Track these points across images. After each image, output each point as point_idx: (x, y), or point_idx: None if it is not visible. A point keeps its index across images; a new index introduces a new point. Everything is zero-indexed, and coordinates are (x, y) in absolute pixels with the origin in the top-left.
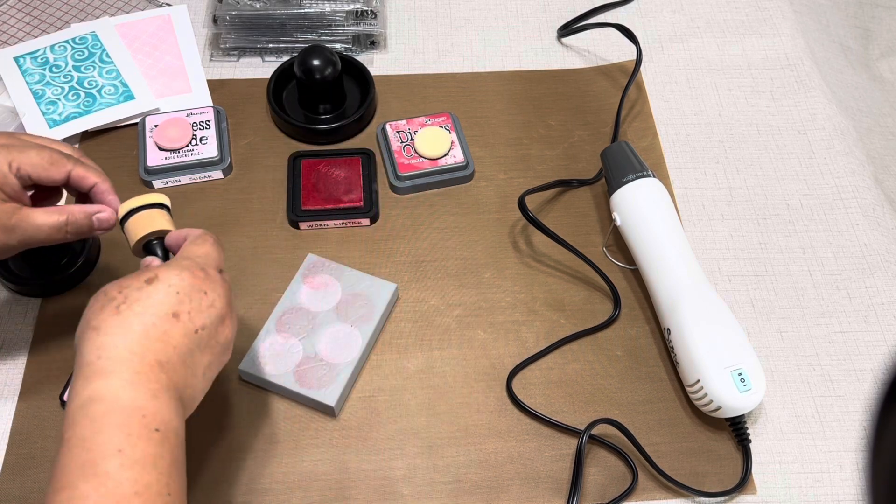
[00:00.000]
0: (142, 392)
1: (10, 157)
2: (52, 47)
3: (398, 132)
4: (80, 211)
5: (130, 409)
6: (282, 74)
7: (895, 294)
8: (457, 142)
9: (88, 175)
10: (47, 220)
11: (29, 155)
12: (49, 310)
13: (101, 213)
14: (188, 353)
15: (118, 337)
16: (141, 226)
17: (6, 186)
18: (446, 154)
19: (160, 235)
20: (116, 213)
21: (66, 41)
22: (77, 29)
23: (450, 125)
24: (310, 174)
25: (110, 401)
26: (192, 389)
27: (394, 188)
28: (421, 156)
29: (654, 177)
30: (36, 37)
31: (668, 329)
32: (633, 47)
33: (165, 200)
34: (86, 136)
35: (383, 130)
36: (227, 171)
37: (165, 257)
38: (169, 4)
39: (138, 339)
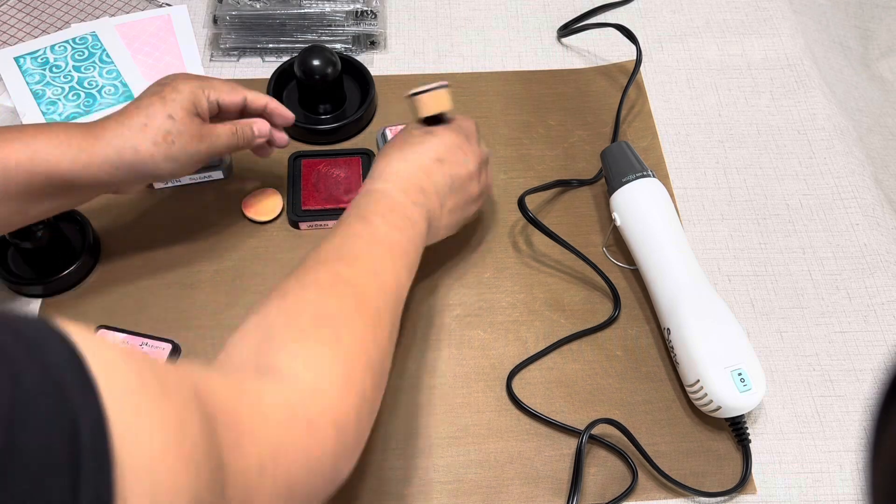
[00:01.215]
0: (406, 197)
1: (206, 88)
2: (52, 47)
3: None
4: (244, 122)
5: (395, 202)
6: (282, 74)
7: (895, 294)
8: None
9: (260, 97)
10: (224, 128)
11: (216, 84)
12: (50, 310)
13: (257, 122)
14: (444, 191)
15: (399, 163)
16: (429, 105)
17: (202, 110)
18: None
19: (442, 116)
20: (271, 125)
21: (67, 41)
22: (77, 29)
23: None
24: (310, 174)
25: (384, 192)
26: (437, 217)
27: None
28: (251, 219)
29: (654, 177)
30: (36, 37)
31: (668, 329)
32: (633, 47)
33: (446, 83)
34: None
35: (383, 134)
36: (227, 172)
37: None
38: (169, 4)
39: (412, 167)
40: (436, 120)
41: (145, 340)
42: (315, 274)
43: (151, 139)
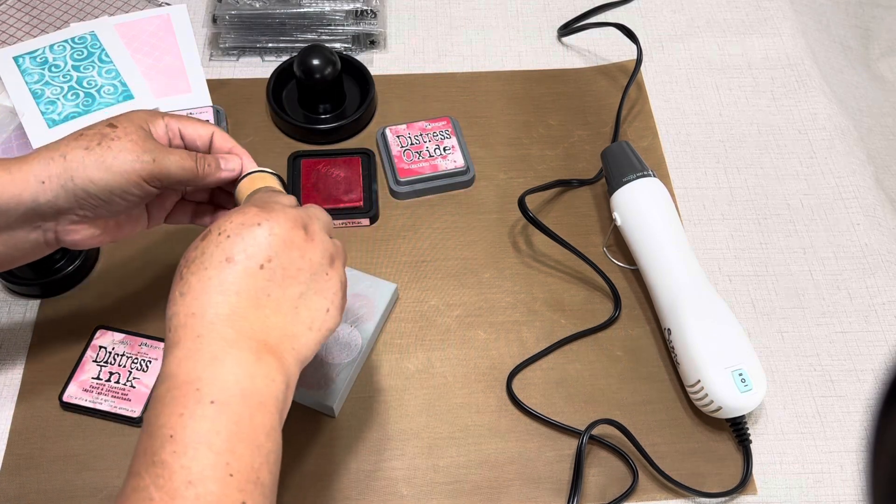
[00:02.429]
0: (200, 360)
1: (166, 114)
2: (51, 47)
3: (398, 136)
4: (210, 156)
5: (185, 383)
6: (282, 74)
7: (895, 294)
8: (457, 146)
9: (227, 138)
10: (179, 150)
11: (181, 116)
12: (49, 310)
13: (228, 158)
14: (260, 292)
15: (181, 305)
16: (251, 184)
17: (155, 131)
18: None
19: None
20: (241, 166)
21: (66, 41)
22: (76, 28)
23: (450, 129)
24: (309, 174)
25: (173, 375)
26: (283, 329)
27: (393, 193)
28: None
29: (654, 177)
30: (35, 36)
31: (669, 329)
32: (634, 47)
33: (279, 175)
34: None
35: (383, 134)
36: None
37: None
38: (168, 4)
39: (196, 297)
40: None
41: (144, 340)
42: None
43: (84, 144)
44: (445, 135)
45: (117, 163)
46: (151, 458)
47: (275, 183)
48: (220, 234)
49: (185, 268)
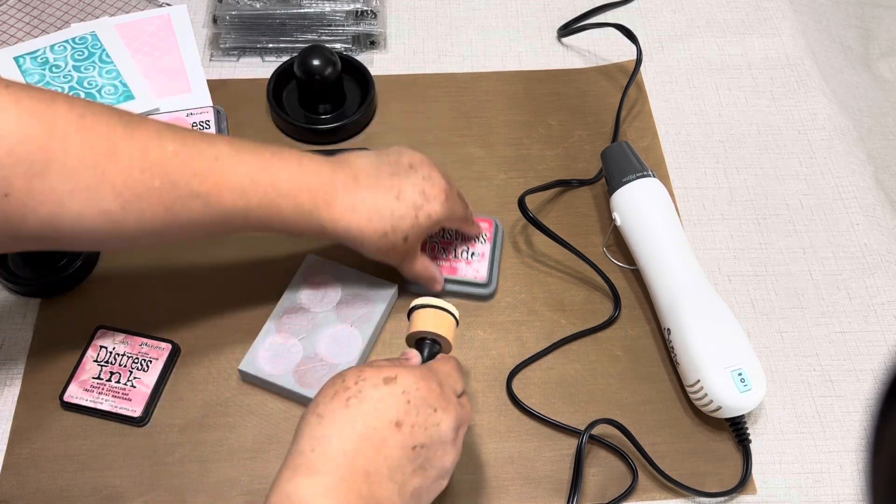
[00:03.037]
0: (341, 498)
1: (450, 220)
2: (51, 47)
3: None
4: (438, 273)
5: None
6: (282, 74)
7: (895, 294)
8: (486, 255)
9: (473, 228)
10: (423, 272)
11: (458, 216)
12: (49, 310)
13: (438, 281)
14: (398, 467)
15: (335, 433)
16: (427, 321)
17: (422, 236)
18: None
19: (436, 339)
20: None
21: (66, 41)
22: (77, 29)
23: (488, 234)
24: None
25: (294, 499)
26: None
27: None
28: None
29: (654, 177)
30: (36, 37)
31: (669, 329)
32: (633, 47)
33: (457, 314)
34: None
35: None
36: None
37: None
38: (169, 4)
39: (355, 440)
40: (427, 346)
41: (145, 340)
42: None
43: (377, 247)
44: (482, 239)
45: (381, 259)
46: None
47: (449, 328)
48: (403, 392)
49: (356, 396)
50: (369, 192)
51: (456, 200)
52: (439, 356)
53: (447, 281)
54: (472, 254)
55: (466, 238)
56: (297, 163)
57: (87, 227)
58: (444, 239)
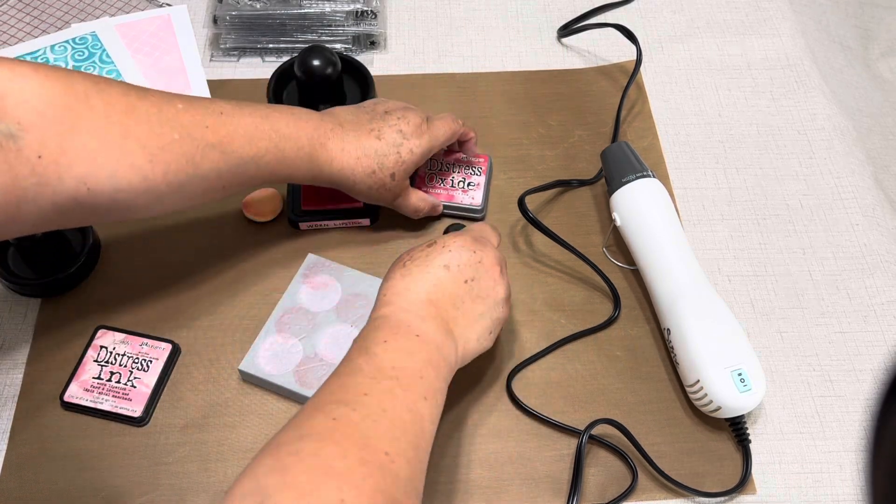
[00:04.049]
0: (411, 315)
1: (434, 147)
2: (52, 47)
3: (432, 159)
4: (436, 200)
5: (399, 322)
6: (282, 74)
7: (895, 294)
8: (482, 185)
9: (469, 132)
10: (420, 204)
11: (441, 136)
12: (49, 310)
13: (437, 207)
14: (458, 297)
15: (399, 282)
16: None
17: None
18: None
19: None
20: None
21: (67, 41)
22: (77, 29)
23: (483, 167)
24: None
25: (387, 317)
26: (463, 328)
27: None
28: (250, 219)
29: (654, 177)
30: (36, 37)
31: (668, 329)
32: (633, 47)
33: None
34: None
35: None
36: None
37: None
38: (169, 4)
39: (414, 282)
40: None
41: (145, 340)
42: (311, 420)
43: (368, 185)
44: (477, 171)
45: (373, 199)
46: (365, 350)
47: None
48: (443, 246)
49: (410, 261)
50: (354, 135)
51: (436, 130)
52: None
53: (445, 207)
54: (469, 184)
55: (464, 167)
56: (290, 112)
57: (120, 184)
58: (442, 171)
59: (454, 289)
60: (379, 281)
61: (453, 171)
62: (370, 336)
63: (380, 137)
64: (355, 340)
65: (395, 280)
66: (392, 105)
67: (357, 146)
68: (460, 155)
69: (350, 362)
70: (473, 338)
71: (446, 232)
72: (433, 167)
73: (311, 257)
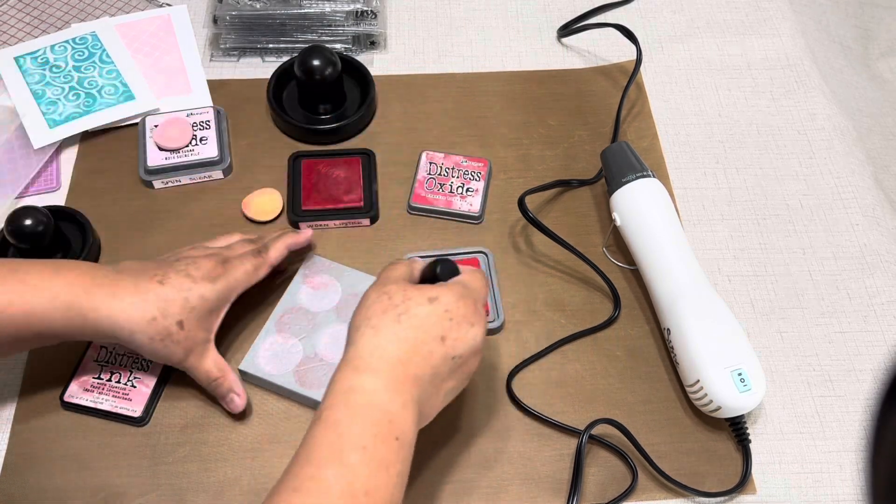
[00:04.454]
0: (396, 399)
1: (233, 291)
2: (52, 47)
3: (431, 163)
4: (237, 383)
5: (383, 411)
6: (282, 74)
7: (895, 294)
8: (480, 191)
9: (278, 251)
10: (212, 371)
11: (240, 279)
12: None
13: (237, 394)
14: (439, 374)
15: (392, 344)
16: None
17: (217, 311)
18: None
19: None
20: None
21: (67, 41)
22: (77, 29)
23: (482, 173)
24: (310, 174)
25: (370, 396)
26: (431, 408)
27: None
28: (250, 219)
29: (654, 177)
30: (36, 37)
31: (668, 329)
32: (633, 47)
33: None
34: (86, 136)
35: (419, 156)
36: (227, 171)
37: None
38: (169, 4)
39: (408, 350)
40: (435, 278)
41: None
42: None
43: (150, 335)
44: (476, 176)
45: (167, 354)
46: (339, 455)
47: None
48: (446, 311)
49: (405, 315)
50: (131, 280)
51: (234, 272)
52: (467, 269)
53: (443, 213)
54: (468, 190)
55: (463, 172)
56: (51, 264)
57: None
58: (441, 175)
59: (441, 364)
60: None
61: (452, 177)
62: (348, 430)
63: (163, 282)
64: (324, 419)
65: (385, 334)
66: (189, 253)
67: (133, 291)
68: (460, 159)
69: (319, 470)
70: (435, 410)
71: (434, 268)
72: (432, 171)
73: (311, 257)
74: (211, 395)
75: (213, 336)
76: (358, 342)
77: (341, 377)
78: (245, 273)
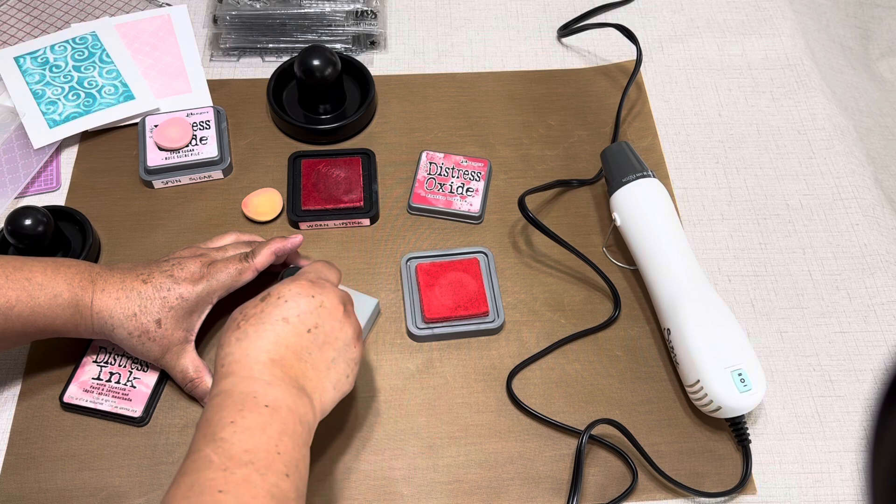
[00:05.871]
0: (256, 382)
1: (213, 293)
2: (52, 47)
3: (431, 162)
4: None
5: (243, 396)
6: (282, 74)
7: (895, 294)
8: (480, 191)
9: (265, 257)
10: (188, 370)
11: (224, 282)
12: None
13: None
14: (304, 349)
15: (236, 347)
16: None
17: (199, 310)
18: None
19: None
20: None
21: (66, 41)
22: (77, 29)
23: (482, 173)
24: (310, 174)
25: (229, 391)
26: (316, 381)
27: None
28: (250, 219)
29: (654, 177)
30: (36, 37)
31: (668, 329)
32: (633, 47)
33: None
34: (86, 136)
35: (420, 155)
36: (227, 171)
37: None
38: (169, 4)
39: (252, 344)
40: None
41: None
42: None
43: (129, 331)
44: (476, 177)
45: (141, 353)
46: (212, 436)
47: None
48: (279, 297)
49: (244, 321)
50: (118, 277)
51: (217, 274)
52: (313, 261)
53: (444, 214)
54: (468, 190)
55: (463, 173)
56: (51, 262)
57: None
58: (441, 175)
59: (297, 341)
60: (373, 301)
61: (452, 177)
62: (214, 419)
63: (146, 281)
64: (199, 425)
65: (231, 346)
66: (181, 254)
67: (119, 287)
68: (460, 159)
69: (197, 453)
70: (329, 387)
71: (281, 278)
72: (432, 171)
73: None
74: None
75: (192, 336)
76: (216, 361)
77: (209, 395)
78: (228, 276)
